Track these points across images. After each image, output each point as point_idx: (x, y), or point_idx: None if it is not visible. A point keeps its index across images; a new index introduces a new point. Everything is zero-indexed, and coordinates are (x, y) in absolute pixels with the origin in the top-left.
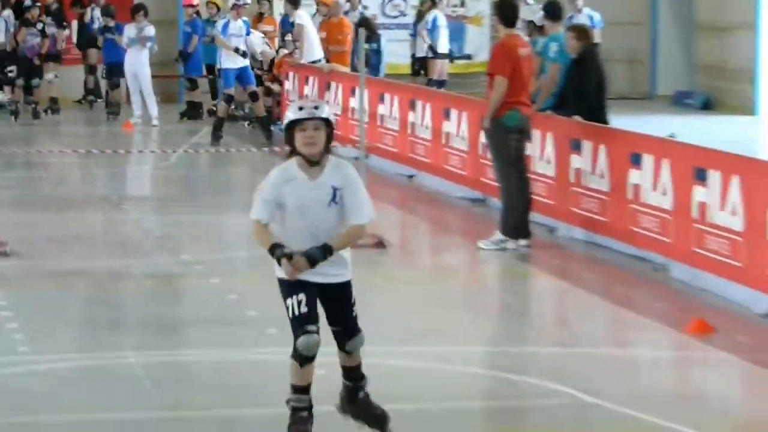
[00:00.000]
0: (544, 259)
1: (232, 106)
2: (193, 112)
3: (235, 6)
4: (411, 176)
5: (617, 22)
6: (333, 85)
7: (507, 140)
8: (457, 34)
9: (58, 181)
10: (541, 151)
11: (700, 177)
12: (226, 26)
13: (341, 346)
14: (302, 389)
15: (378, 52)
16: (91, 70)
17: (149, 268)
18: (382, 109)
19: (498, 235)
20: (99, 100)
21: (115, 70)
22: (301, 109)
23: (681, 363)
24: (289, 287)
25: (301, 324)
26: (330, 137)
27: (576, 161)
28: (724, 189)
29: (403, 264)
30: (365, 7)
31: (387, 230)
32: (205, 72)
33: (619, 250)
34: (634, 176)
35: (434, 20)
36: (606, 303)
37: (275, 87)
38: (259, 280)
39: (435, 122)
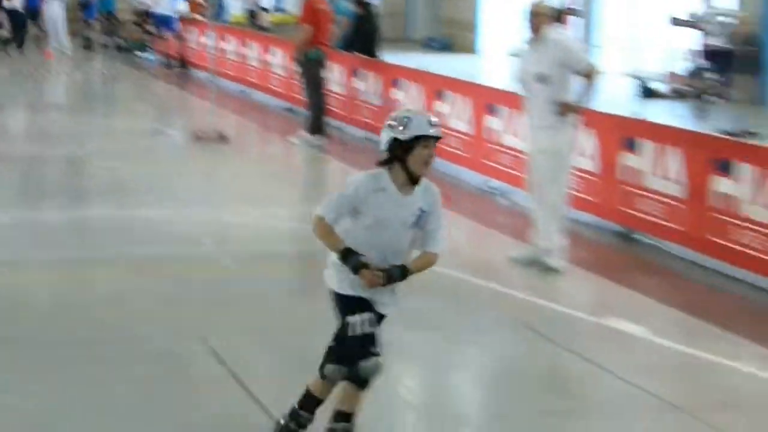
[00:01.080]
0: (336, 150)
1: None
2: (88, 44)
3: None
4: (243, 91)
5: None
6: (192, 28)
7: (311, 69)
8: None
9: None
10: (334, 77)
11: (440, 96)
12: None
13: (354, 368)
14: (315, 402)
15: (221, 6)
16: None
17: (63, 153)
18: (225, 46)
19: (304, 134)
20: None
21: (35, 15)
22: (431, 124)
23: None
24: (353, 304)
25: (364, 344)
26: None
27: (357, 84)
28: (456, 105)
29: (238, 152)
30: None
31: (228, 129)
32: (98, 16)
33: None
34: (395, 94)
35: None
36: None
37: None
38: (140, 164)
39: (262, 55)
